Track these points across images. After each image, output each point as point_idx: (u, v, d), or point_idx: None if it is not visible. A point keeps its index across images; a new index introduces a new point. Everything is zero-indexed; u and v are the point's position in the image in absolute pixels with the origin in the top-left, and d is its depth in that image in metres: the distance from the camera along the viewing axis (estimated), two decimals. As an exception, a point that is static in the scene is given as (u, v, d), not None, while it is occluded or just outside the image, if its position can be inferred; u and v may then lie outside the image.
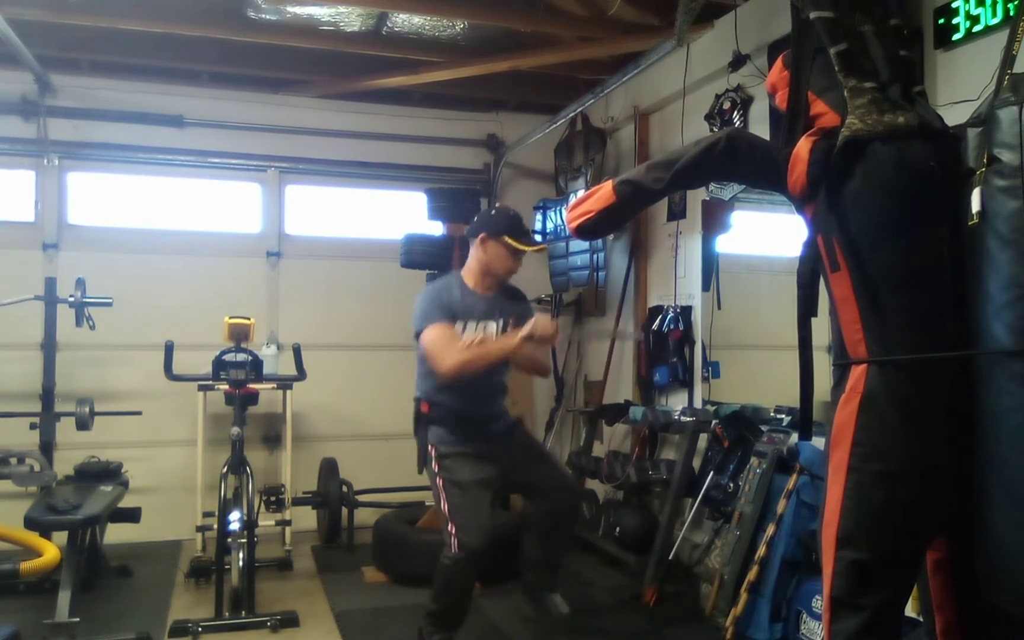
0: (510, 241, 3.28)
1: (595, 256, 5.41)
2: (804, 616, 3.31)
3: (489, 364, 3.18)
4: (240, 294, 5.37)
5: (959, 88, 2.89)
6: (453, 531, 3.14)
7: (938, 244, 1.82)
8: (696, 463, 4.29)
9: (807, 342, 2.01)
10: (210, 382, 4.40)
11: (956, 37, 3.01)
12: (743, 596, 3.42)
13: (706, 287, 4.65)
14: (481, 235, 3.33)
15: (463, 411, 3.28)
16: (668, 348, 4.75)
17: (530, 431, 3.67)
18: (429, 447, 3.29)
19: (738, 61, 4.15)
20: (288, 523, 4.91)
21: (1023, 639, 1.87)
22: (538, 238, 3.41)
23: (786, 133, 2.03)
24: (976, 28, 2.92)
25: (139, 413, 5.02)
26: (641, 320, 5.18)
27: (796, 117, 2.01)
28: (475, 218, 3.59)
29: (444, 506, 3.21)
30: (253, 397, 4.40)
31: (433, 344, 3.15)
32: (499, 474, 3.32)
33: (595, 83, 4.96)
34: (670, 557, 4.11)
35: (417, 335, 3.21)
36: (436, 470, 3.26)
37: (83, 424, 4.58)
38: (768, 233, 4.73)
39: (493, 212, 3.66)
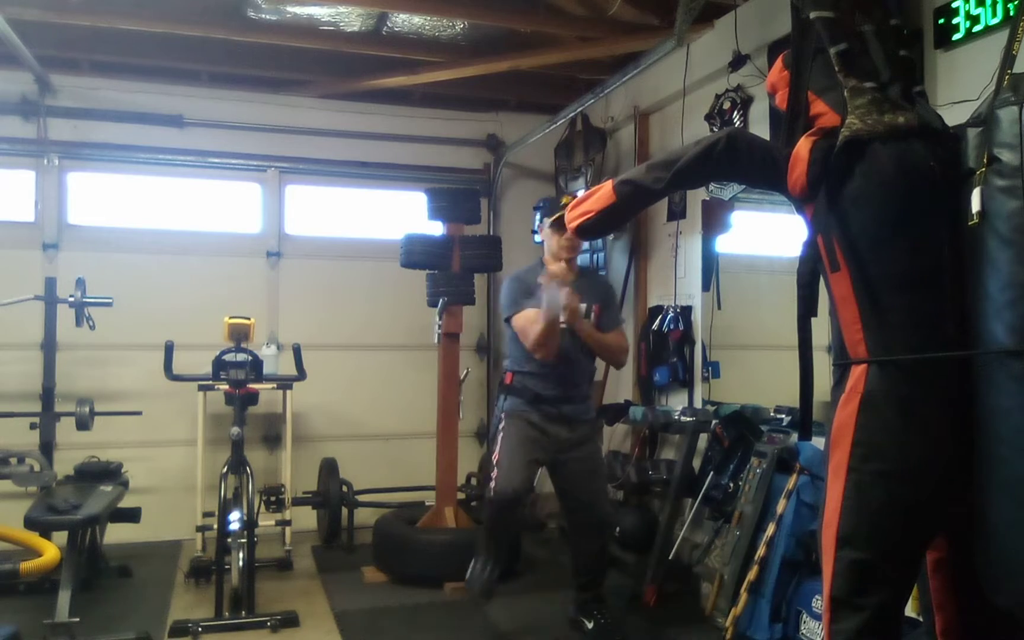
0: (547, 221, 3.63)
1: (595, 256, 5.41)
2: (804, 616, 3.31)
3: (549, 329, 3.37)
4: (240, 294, 5.37)
5: (959, 88, 2.89)
6: (494, 475, 3.56)
7: (938, 244, 1.82)
8: (696, 463, 4.29)
9: (807, 342, 2.01)
10: (210, 382, 4.40)
11: (956, 37, 3.01)
12: (743, 596, 3.42)
13: (706, 287, 4.65)
14: (540, 229, 3.79)
15: (533, 387, 3.60)
16: (668, 348, 4.75)
17: (595, 447, 3.84)
18: (501, 413, 3.67)
19: (738, 61, 4.15)
20: (288, 523, 4.91)
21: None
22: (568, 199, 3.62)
23: (786, 133, 2.03)
24: (976, 28, 2.92)
25: (139, 413, 5.02)
26: (641, 320, 5.19)
27: (796, 117, 2.01)
28: None
29: (495, 456, 3.61)
30: (253, 397, 4.40)
31: (520, 324, 3.54)
32: (548, 459, 3.63)
33: (595, 83, 4.96)
34: (670, 557, 4.11)
35: (507, 320, 3.63)
36: (500, 426, 3.65)
37: (83, 424, 4.58)
38: (768, 233, 4.73)
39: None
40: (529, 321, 3.44)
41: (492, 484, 3.57)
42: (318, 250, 5.84)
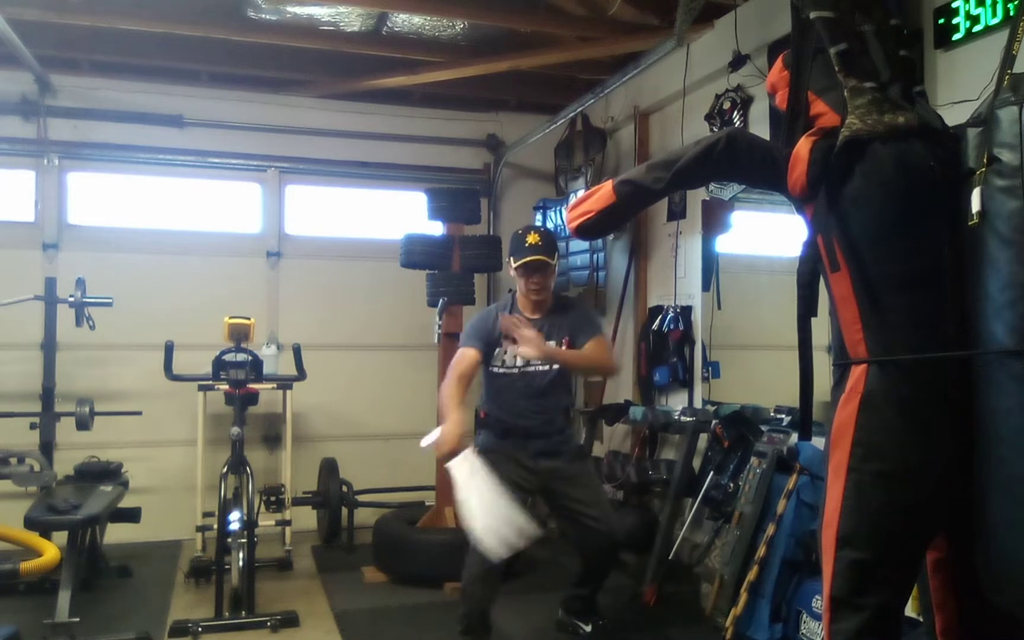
0: (513, 262, 3.50)
1: (595, 256, 5.41)
2: (804, 616, 3.31)
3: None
4: (240, 294, 5.37)
5: (959, 88, 2.89)
6: None
7: (938, 244, 1.82)
8: (696, 463, 4.29)
9: (807, 342, 2.01)
10: (210, 382, 4.41)
11: (956, 37, 3.01)
12: (743, 596, 3.42)
13: (706, 287, 4.65)
14: (508, 266, 3.57)
15: (505, 423, 3.53)
16: (668, 348, 4.75)
17: (586, 468, 3.73)
18: (476, 449, 3.51)
19: (738, 61, 4.15)
20: (288, 523, 4.91)
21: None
22: (536, 238, 3.47)
23: (786, 133, 2.03)
24: (976, 28, 2.92)
25: (139, 413, 5.02)
26: (641, 320, 5.19)
27: (796, 117, 2.02)
28: None
29: None
30: (253, 397, 4.41)
31: (454, 359, 3.47)
32: (537, 487, 3.53)
33: (595, 83, 4.96)
34: (670, 557, 4.11)
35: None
36: None
37: (83, 424, 4.58)
38: (768, 233, 4.73)
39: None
40: (457, 364, 3.40)
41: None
42: (318, 250, 5.84)
